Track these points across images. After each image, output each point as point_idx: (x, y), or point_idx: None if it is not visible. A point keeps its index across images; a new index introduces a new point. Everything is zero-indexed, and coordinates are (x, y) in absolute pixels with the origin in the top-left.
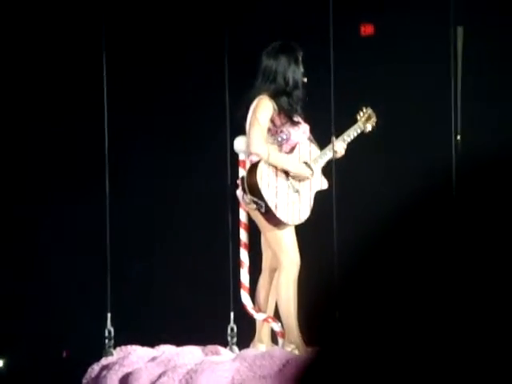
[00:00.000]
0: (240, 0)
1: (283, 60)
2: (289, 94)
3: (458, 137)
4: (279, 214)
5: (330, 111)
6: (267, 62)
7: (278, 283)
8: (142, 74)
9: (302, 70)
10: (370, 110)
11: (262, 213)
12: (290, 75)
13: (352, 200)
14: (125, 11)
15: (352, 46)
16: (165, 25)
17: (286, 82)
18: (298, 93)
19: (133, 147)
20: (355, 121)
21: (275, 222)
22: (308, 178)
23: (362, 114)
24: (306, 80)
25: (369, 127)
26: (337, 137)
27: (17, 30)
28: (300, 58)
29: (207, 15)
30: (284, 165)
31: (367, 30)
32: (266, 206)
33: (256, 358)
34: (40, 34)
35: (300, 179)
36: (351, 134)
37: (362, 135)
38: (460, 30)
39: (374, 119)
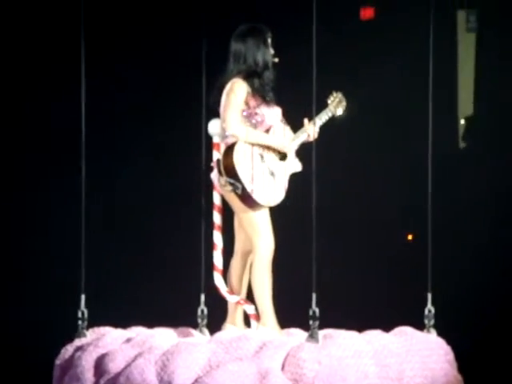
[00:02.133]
0: None
1: (251, 42)
2: (260, 76)
3: (462, 121)
4: (255, 195)
5: (300, 94)
6: (236, 46)
7: (252, 266)
8: (119, 52)
9: (271, 51)
10: (340, 95)
11: (238, 194)
12: (259, 57)
13: (326, 183)
14: None
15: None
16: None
17: (256, 64)
18: (269, 74)
19: (107, 128)
20: (326, 105)
21: (251, 203)
22: (287, 154)
23: (332, 98)
24: (276, 60)
25: (339, 111)
26: (308, 120)
27: None
28: (269, 40)
29: None
30: (264, 140)
31: (367, 13)
32: (243, 187)
33: (232, 340)
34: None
35: (276, 160)
36: (322, 117)
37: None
38: (461, 14)
39: (344, 103)
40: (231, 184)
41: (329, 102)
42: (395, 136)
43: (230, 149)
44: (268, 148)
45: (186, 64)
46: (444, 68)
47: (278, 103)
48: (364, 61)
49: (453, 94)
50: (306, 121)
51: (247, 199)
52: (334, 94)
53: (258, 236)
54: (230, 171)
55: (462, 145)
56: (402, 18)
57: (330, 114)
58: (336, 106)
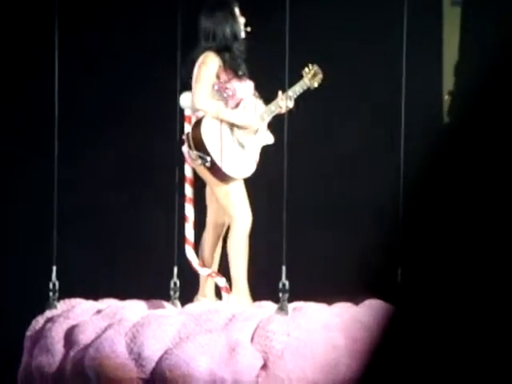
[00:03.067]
0: None
1: (219, 16)
2: (230, 48)
3: (446, 97)
4: (224, 168)
5: (274, 67)
6: (205, 22)
7: (229, 237)
8: (93, 31)
9: (240, 21)
10: (315, 67)
11: (207, 168)
12: (228, 30)
13: (299, 157)
14: None
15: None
16: None
17: (226, 37)
18: (239, 46)
19: (82, 106)
20: (301, 77)
21: (221, 176)
22: (256, 131)
23: (307, 70)
24: (248, 29)
25: (315, 84)
26: (282, 92)
27: None
28: (236, 11)
29: None
30: (232, 119)
31: None
32: (212, 160)
33: (202, 313)
34: None
35: (246, 133)
36: (296, 90)
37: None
38: None
39: (320, 76)
40: (200, 157)
41: (304, 74)
42: (372, 112)
43: (198, 122)
44: None
45: (160, 37)
46: (429, 42)
47: (252, 76)
48: (341, 32)
49: (437, 68)
50: (279, 93)
51: (217, 172)
52: (310, 67)
53: (234, 208)
54: (199, 144)
55: (446, 120)
56: None
57: (305, 87)
58: (311, 78)
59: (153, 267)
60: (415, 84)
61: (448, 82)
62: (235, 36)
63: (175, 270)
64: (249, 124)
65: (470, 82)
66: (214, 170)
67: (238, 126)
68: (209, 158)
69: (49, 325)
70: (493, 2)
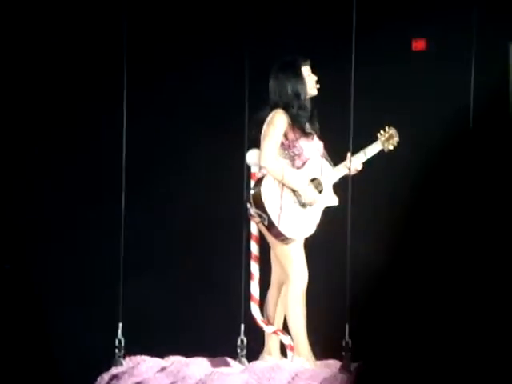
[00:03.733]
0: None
1: (281, 77)
2: (294, 107)
3: None
4: (281, 227)
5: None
6: (271, 82)
7: (286, 297)
8: (162, 80)
9: (306, 81)
10: (392, 130)
11: (265, 226)
12: (290, 89)
13: (364, 217)
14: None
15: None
16: (184, 33)
17: (288, 96)
18: (301, 103)
19: (151, 153)
20: (376, 139)
21: (278, 235)
22: (314, 202)
23: (383, 132)
24: (315, 91)
25: (390, 147)
26: (354, 154)
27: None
28: (304, 70)
29: (228, 25)
30: (292, 185)
31: (419, 45)
32: (269, 219)
33: (265, 370)
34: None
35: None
36: (368, 152)
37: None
38: None
39: (395, 139)
40: (259, 215)
41: (378, 136)
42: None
43: (260, 179)
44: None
45: (229, 94)
46: (496, 99)
47: (321, 137)
48: (411, 92)
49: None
50: (348, 154)
51: (273, 231)
52: (387, 129)
53: (290, 267)
54: (258, 202)
55: None
56: (452, 49)
57: (379, 149)
58: (386, 141)
59: (221, 324)
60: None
61: None
62: (298, 95)
63: (242, 327)
64: (308, 198)
65: None
66: (271, 228)
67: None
68: (266, 217)
69: (113, 382)
70: None
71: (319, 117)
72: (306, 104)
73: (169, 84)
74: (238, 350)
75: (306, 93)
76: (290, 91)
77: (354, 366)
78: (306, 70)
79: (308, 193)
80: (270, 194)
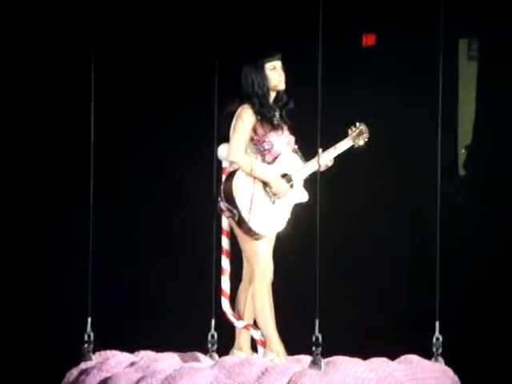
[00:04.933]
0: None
1: (245, 69)
2: (255, 102)
3: (462, 151)
4: (252, 223)
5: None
6: (240, 75)
7: (252, 293)
8: (131, 80)
9: (273, 76)
10: (362, 126)
11: (235, 221)
12: (255, 83)
13: (334, 213)
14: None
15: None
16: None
17: (253, 90)
18: (262, 99)
19: (121, 150)
20: (346, 135)
21: (248, 231)
22: (285, 193)
23: (353, 128)
24: (282, 86)
25: (360, 142)
26: (325, 149)
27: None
28: (267, 64)
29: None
30: (264, 177)
31: (369, 40)
32: (239, 214)
33: (235, 366)
34: None
35: (275, 194)
36: (339, 148)
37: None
38: (463, 43)
39: (366, 135)
40: (229, 210)
41: (349, 132)
42: (397, 166)
43: (231, 174)
44: None
45: (198, 89)
46: (444, 96)
47: (293, 131)
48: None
49: (453, 122)
50: (319, 150)
51: (244, 227)
52: (357, 125)
53: (255, 263)
54: (228, 197)
55: (462, 172)
56: (403, 45)
57: (349, 145)
58: (356, 136)
59: (191, 319)
60: (431, 137)
61: (464, 136)
62: (262, 90)
63: (213, 322)
64: (279, 189)
65: (487, 137)
66: (242, 224)
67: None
68: (237, 212)
69: (82, 377)
70: (509, 57)
71: (297, 110)
72: (268, 99)
73: (136, 76)
74: (209, 345)
75: (266, 88)
76: (251, 85)
77: (324, 361)
78: (270, 65)
79: (279, 184)
80: (241, 189)
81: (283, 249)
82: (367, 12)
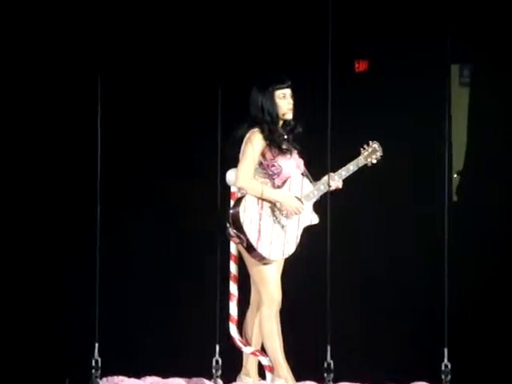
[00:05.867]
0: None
1: (255, 95)
2: (265, 128)
3: (455, 175)
4: (260, 248)
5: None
6: (250, 100)
7: (259, 319)
8: (135, 94)
9: (274, 102)
10: (376, 144)
11: (244, 247)
12: (265, 108)
13: (345, 237)
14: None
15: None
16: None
17: (263, 115)
18: (271, 126)
19: (124, 175)
20: (358, 154)
21: (256, 256)
22: (299, 213)
23: (366, 147)
24: (289, 115)
25: (373, 161)
26: (335, 171)
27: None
28: (277, 91)
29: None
30: (277, 198)
31: (361, 66)
32: (247, 240)
33: None
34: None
35: (288, 214)
36: (350, 168)
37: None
38: (455, 68)
39: (379, 153)
40: (238, 236)
41: (361, 151)
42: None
43: (239, 200)
44: None
45: (204, 115)
46: (437, 121)
47: (302, 154)
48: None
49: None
50: (329, 174)
51: (252, 252)
52: (370, 143)
53: (263, 289)
54: (236, 223)
55: (455, 198)
56: (395, 71)
57: (361, 165)
58: (368, 155)
59: (197, 344)
60: (424, 163)
61: (457, 161)
62: (271, 115)
63: (217, 347)
64: (292, 207)
65: (479, 162)
66: (250, 250)
67: (279, 207)
68: (245, 238)
69: None
70: (500, 83)
71: (304, 134)
72: (277, 125)
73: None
74: (213, 371)
75: (276, 115)
76: (260, 111)
77: None
78: (280, 93)
79: (291, 200)
80: (248, 214)
81: (291, 272)
82: (360, 38)
